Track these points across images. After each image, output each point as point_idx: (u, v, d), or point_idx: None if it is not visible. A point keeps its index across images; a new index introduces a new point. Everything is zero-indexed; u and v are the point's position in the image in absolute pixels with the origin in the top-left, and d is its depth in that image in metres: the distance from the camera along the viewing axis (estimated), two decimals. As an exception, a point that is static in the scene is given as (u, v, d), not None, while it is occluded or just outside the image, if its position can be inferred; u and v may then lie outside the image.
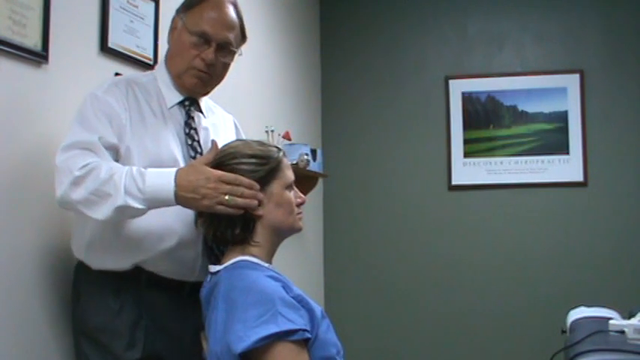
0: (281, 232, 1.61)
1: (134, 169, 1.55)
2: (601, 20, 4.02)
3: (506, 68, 4.11)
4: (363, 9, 4.31)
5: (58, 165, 1.58)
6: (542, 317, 3.75)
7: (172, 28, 1.82)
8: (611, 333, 1.68)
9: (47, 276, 1.80)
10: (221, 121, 1.93)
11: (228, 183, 1.50)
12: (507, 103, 4.09)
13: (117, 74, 2.13)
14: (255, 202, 1.52)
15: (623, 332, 1.64)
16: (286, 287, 1.48)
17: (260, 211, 1.55)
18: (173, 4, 2.49)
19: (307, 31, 4.14)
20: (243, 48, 1.86)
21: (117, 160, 1.64)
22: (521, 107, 4.08)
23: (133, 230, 1.64)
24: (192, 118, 1.80)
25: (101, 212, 1.53)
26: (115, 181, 1.51)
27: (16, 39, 1.71)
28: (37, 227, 1.79)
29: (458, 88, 4.13)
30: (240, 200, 1.50)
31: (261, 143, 1.65)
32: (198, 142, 1.78)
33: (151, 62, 2.32)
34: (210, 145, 1.64)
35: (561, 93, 4.03)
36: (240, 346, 1.36)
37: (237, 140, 1.68)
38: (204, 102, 1.89)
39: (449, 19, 4.22)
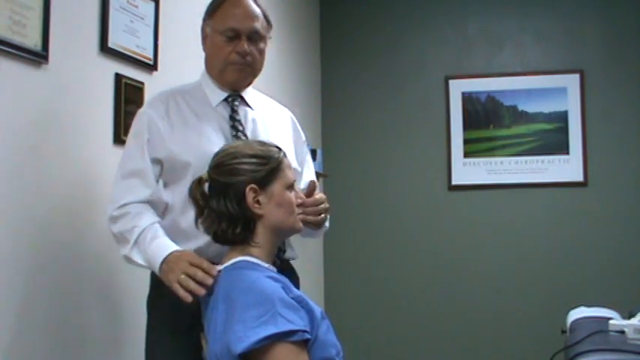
0: (281, 233, 1.61)
1: (152, 229, 1.72)
2: (601, 20, 4.02)
3: (506, 68, 4.11)
4: (363, 9, 4.31)
5: (112, 189, 1.81)
6: (542, 317, 3.75)
7: (204, 37, 1.93)
8: (611, 333, 1.68)
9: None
10: (272, 113, 2.02)
11: (191, 264, 1.59)
12: (507, 103, 4.09)
13: (117, 74, 2.13)
14: (202, 291, 1.53)
15: (623, 332, 1.64)
16: (286, 288, 1.48)
17: (260, 211, 1.55)
18: (173, 4, 2.50)
19: (307, 31, 4.14)
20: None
21: (162, 165, 1.81)
22: (521, 107, 4.08)
23: (182, 222, 1.77)
24: (237, 111, 1.89)
25: (121, 251, 1.77)
26: (134, 232, 1.72)
27: (16, 39, 1.70)
28: (37, 225, 1.80)
29: (458, 88, 4.13)
30: (191, 284, 1.55)
31: (261, 143, 1.65)
32: (243, 131, 1.86)
33: (151, 62, 2.32)
34: (259, 135, 1.84)
35: (561, 93, 4.03)
36: (239, 347, 1.36)
37: (238, 140, 1.69)
38: (252, 95, 1.97)
39: (449, 19, 4.22)
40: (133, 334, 2.21)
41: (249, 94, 1.96)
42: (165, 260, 1.65)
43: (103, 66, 2.09)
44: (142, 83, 2.26)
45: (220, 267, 1.55)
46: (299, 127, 2.10)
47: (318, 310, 1.49)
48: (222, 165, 1.57)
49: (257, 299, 1.40)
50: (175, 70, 2.49)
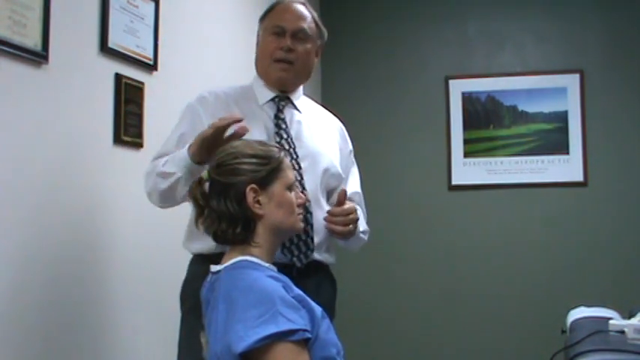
0: (282, 232, 1.61)
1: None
2: (601, 20, 4.02)
3: (506, 68, 4.11)
4: (363, 9, 4.31)
5: (146, 171, 1.86)
6: (542, 317, 3.75)
7: (257, 43, 2.00)
8: (611, 333, 1.68)
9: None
10: (321, 119, 2.09)
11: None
12: (507, 103, 4.10)
13: (117, 74, 2.13)
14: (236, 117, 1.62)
15: (623, 332, 1.64)
16: (287, 287, 1.47)
17: (261, 211, 1.55)
18: (173, 4, 2.51)
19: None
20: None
21: None
22: (521, 107, 4.08)
23: None
24: (282, 111, 1.94)
25: (160, 185, 1.78)
26: (160, 163, 1.79)
27: (16, 39, 1.70)
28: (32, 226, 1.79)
29: (458, 88, 4.13)
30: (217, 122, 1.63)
31: (262, 143, 1.65)
32: (285, 129, 1.91)
33: (151, 62, 2.32)
34: (303, 136, 1.90)
35: (561, 93, 4.03)
36: (240, 346, 1.36)
37: (238, 140, 1.68)
38: (303, 100, 2.04)
39: (449, 19, 4.22)
40: (132, 334, 2.21)
41: (299, 99, 2.01)
42: (189, 146, 1.71)
43: (103, 66, 2.09)
44: (142, 83, 2.26)
45: (219, 267, 1.55)
46: (347, 137, 2.16)
47: (318, 309, 1.49)
48: (222, 165, 1.57)
49: (258, 298, 1.40)
50: (175, 70, 2.49)
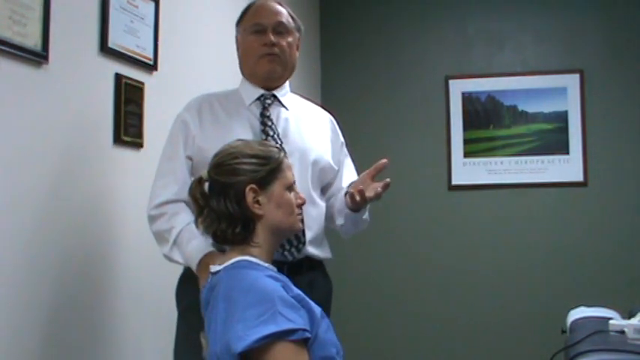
0: (281, 233, 1.61)
1: (188, 230, 1.79)
2: (601, 20, 4.02)
3: (506, 68, 4.11)
4: (363, 9, 4.31)
5: (152, 187, 1.90)
6: (542, 317, 3.75)
7: (237, 46, 2.04)
8: (611, 333, 1.68)
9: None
10: (309, 114, 2.09)
11: None
12: (507, 103, 4.10)
13: (117, 74, 2.13)
14: None
15: (623, 332, 1.64)
16: (286, 287, 1.48)
17: (260, 211, 1.55)
18: (173, 4, 2.51)
19: (307, 31, 4.13)
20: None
21: (192, 162, 1.89)
22: (521, 107, 4.08)
23: None
24: (268, 109, 1.96)
25: (161, 250, 1.86)
26: (172, 233, 1.81)
27: (16, 39, 1.70)
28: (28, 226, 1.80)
29: (458, 88, 4.13)
30: None
31: (262, 143, 1.66)
32: (271, 126, 1.92)
33: (151, 62, 2.32)
34: (290, 132, 1.92)
35: (561, 93, 4.03)
36: (239, 346, 1.36)
37: (238, 140, 1.68)
38: (289, 97, 2.05)
39: (449, 19, 4.22)
40: (133, 334, 2.21)
41: (286, 96, 2.02)
42: (200, 262, 1.75)
43: (103, 66, 2.09)
44: (142, 83, 2.26)
45: (219, 267, 1.55)
46: (338, 130, 2.17)
47: (318, 309, 1.49)
48: (222, 165, 1.57)
49: (257, 298, 1.40)
50: (175, 70, 2.49)
